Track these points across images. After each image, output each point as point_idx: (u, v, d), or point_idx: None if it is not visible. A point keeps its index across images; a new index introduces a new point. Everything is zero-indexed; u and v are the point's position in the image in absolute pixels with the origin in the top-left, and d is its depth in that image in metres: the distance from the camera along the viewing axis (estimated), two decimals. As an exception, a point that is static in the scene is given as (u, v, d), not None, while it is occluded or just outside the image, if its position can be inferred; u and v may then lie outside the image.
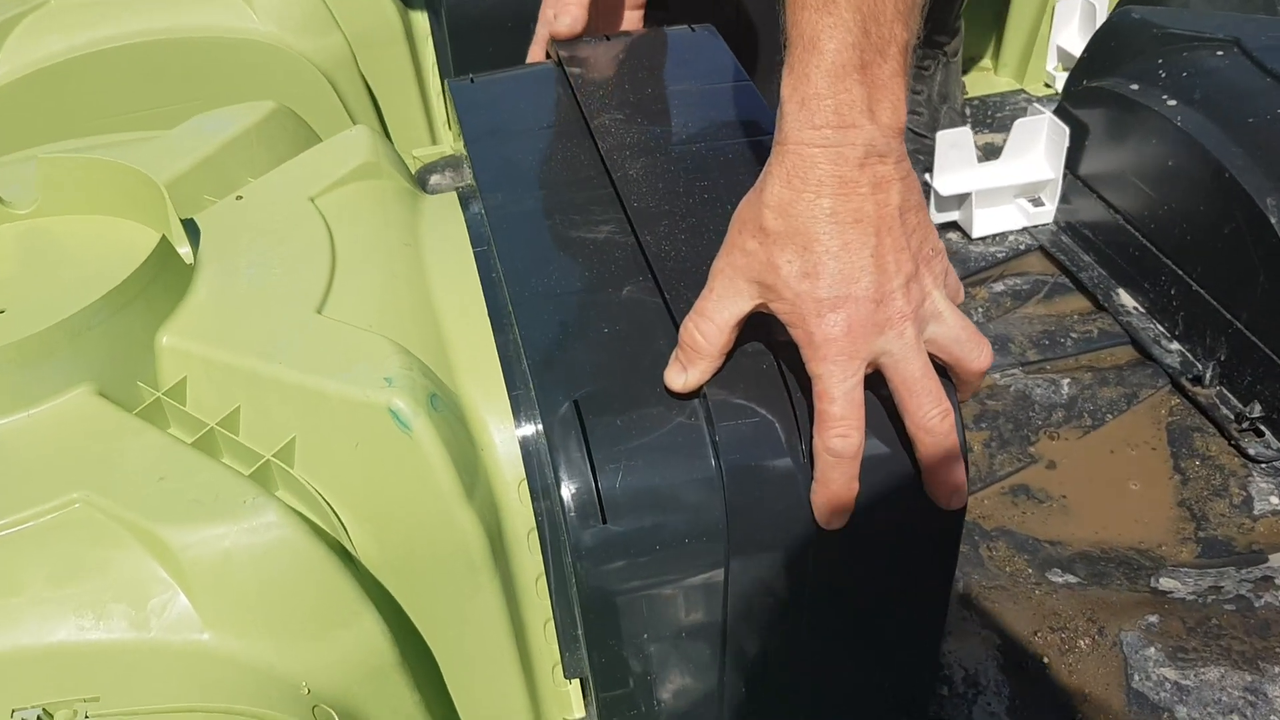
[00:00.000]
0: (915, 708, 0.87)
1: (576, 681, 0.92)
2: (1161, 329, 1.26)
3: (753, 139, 1.02)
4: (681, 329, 0.74)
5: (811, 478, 0.72)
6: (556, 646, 0.89)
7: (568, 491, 0.72)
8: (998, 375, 1.22)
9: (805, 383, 0.74)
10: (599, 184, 0.98)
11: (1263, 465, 1.09)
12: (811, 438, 0.73)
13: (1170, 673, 0.90)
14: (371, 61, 1.58)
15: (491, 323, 0.89)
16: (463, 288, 0.93)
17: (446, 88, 1.18)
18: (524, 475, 0.84)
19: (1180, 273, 1.22)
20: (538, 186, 0.99)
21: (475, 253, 0.96)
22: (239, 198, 1.00)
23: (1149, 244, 1.27)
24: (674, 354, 0.75)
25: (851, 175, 0.68)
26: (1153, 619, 0.94)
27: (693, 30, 1.17)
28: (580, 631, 0.78)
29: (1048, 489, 1.09)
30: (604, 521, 0.72)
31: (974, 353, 0.71)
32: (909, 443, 0.72)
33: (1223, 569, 0.99)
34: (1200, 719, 0.86)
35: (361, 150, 1.05)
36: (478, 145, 1.05)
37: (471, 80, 1.16)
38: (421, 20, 1.61)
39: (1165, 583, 0.98)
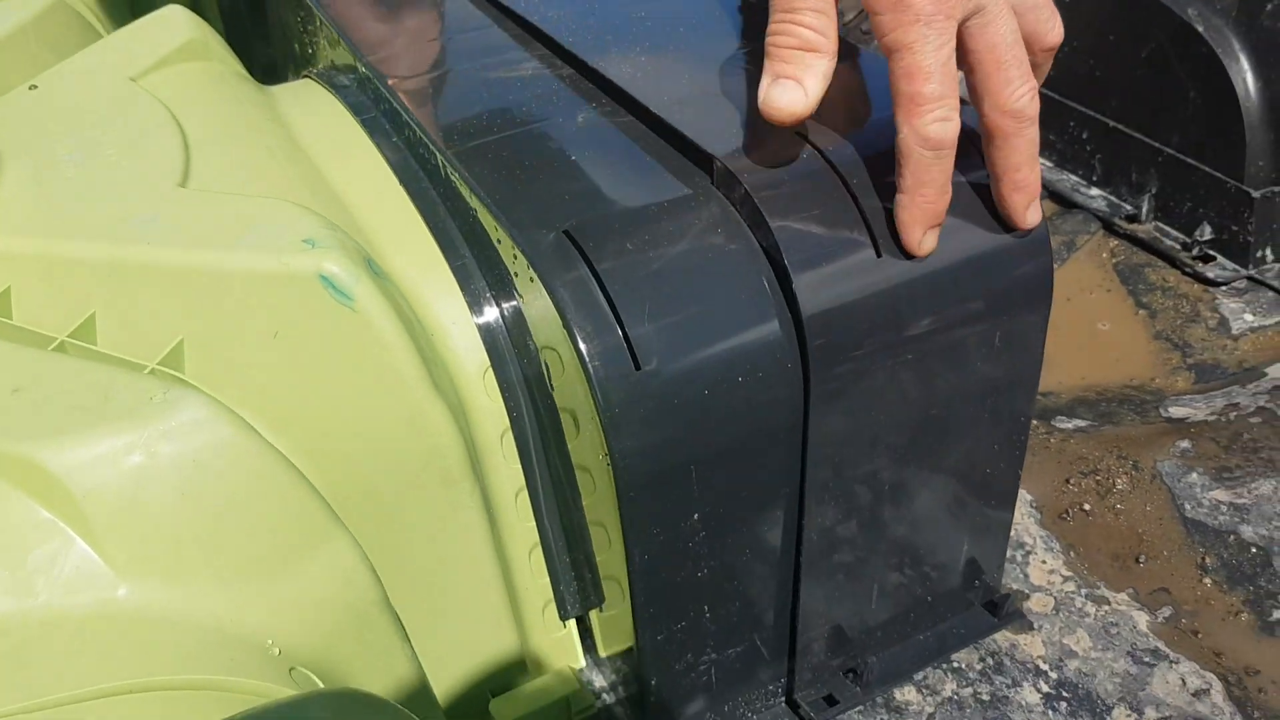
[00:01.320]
0: (990, 587, 0.74)
1: (572, 624, 0.74)
2: (1077, 178, 1.19)
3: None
4: (772, 34, 0.58)
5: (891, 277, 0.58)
6: (546, 581, 0.71)
7: (583, 337, 0.55)
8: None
9: (857, 173, 0.60)
10: (506, 28, 0.81)
11: (1224, 286, 1.03)
12: (874, 227, 0.59)
13: (1222, 495, 0.80)
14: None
15: (408, 191, 0.71)
16: (357, 157, 0.73)
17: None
18: (489, 364, 0.66)
19: (1092, 114, 1.15)
20: (427, 39, 0.81)
21: (360, 121, 0.77)
22: (33, 87, 0.77)
23: (1050, 92, 1.20)
24: (768, 70, 0.58)
25: None
26: (1184, 444, 0.85)
27: None
28: (617, 523, 0.60)
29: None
30: (636, 367, 0.55)
31: (1052, 21, 0.59)
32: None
33: (1228, 388, 0.91)
34: (1269, 535, 0.77)
35: (182, 29, 0.84)
36: (332, 10, 0.86)
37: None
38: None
39: (1178, 410, 0.90)
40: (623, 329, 0.55)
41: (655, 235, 0.59)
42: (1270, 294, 1.01)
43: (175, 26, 0.84)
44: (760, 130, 0.63)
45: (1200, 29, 1.02)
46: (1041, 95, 1.17)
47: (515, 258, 0.60)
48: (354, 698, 0.39)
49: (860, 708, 0.69)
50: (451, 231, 0.68)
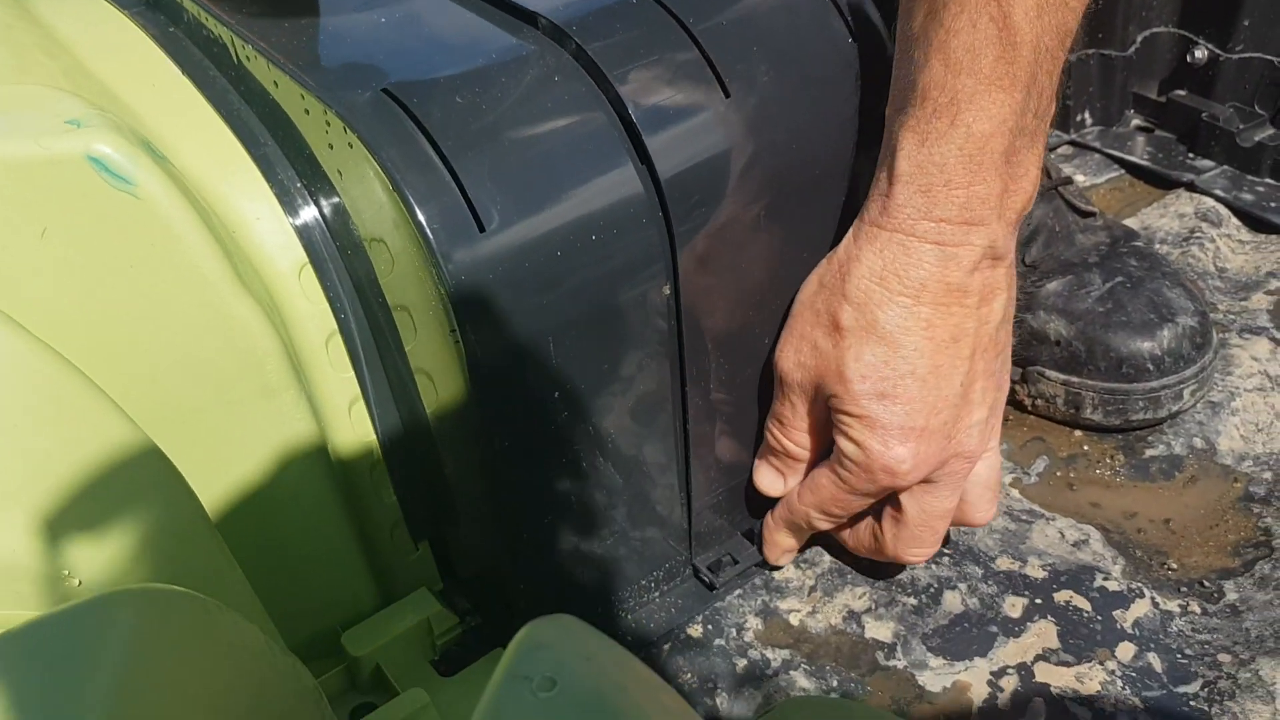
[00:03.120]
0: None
1: (425, 546, 0.67)
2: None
3: None
4: (769, 433, 0.62)
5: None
6: (394, 499, 0.64)
7: (417, 200, 0.48)
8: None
9: (693, 12, 0.55)
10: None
11: (1050, 153, 1.03)
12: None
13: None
14: None
15: (193, 80, 0.62)
16: (129, 51, 0.64)
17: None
18: (306, 260, 0.58)
19: None
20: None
21: (129, 15, 0.67)
22: None
23: None
24: (762, 455, 0.63)
25: (961, 282, 0.53)
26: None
27: None
28: (469, 418, 0.54)
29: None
30: (480, 229, 0.49)
31: (988, 506, 0.61)
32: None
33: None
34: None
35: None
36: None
37: None
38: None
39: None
40: (461, 188, 0.49)
41: (487, 86, 0.52)
42: (1096, 155, 1.02)
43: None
44: None
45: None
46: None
47: (328, 127, 0.53)
48: (161, 592, 0.32)
49: (740, 591, 0.65)
50: (248, 118, 0.60)
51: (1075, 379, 0.74)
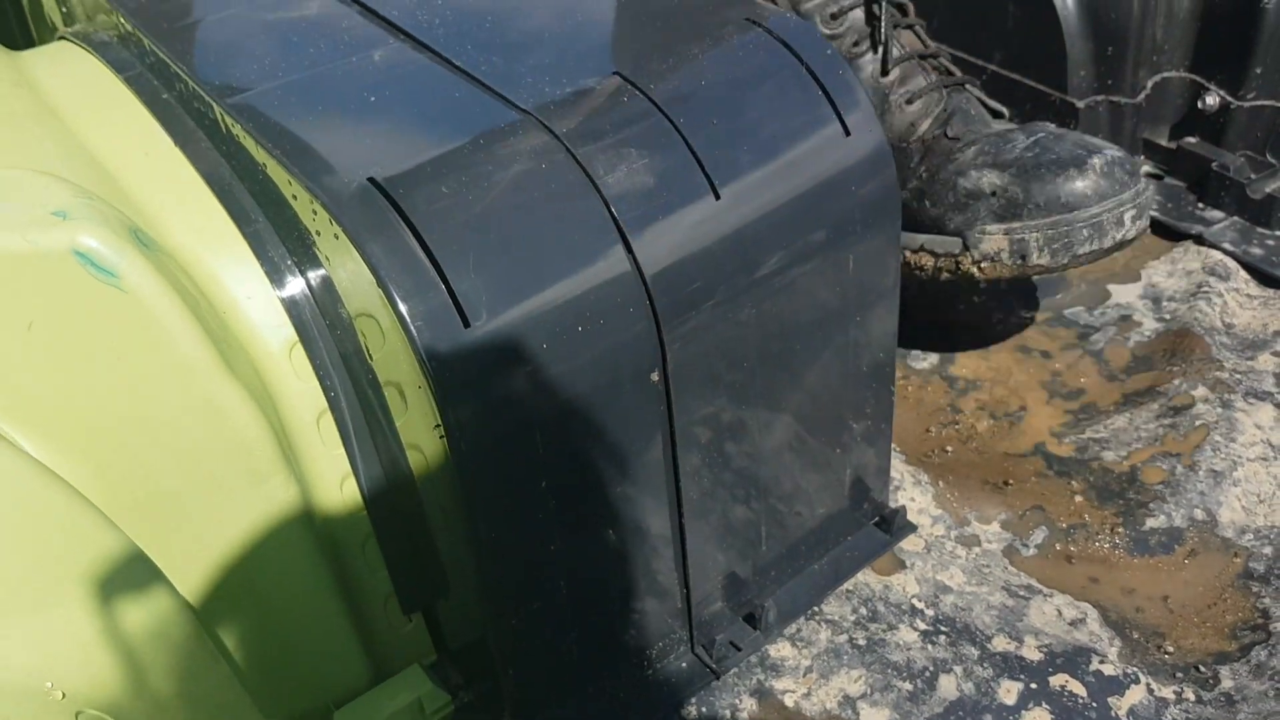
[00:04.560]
0: (879, 503, 0.70)
1: (419, 618, 0.67)
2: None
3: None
4: None
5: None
6: (384, 573, 0.64)
7: (402, 297, 0.48)
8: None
9: (685, 112, 0.55)
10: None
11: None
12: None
13: (1081, 433, 0.79)
14: None
15: (184, 152, 0.62)
16: (121, 118, 0.64)
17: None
18: (296, 339, 0.58)
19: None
20: (193, -17, 0.72)
21: (124, 79, 0.67)
22: None
23: (869, 19, 1.17)
24: None
25: None
26: (1039, 384, 0.83)
27: None
28: (457, 501, 0.54)
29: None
30: (466, 325, 0.49)
31: None
32: None
33: (1073, 309, 0.90)
34: (1129, 456, 0.76)
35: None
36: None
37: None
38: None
39: (1032, 340, 0.88)
40: (446, 283, 0.49)
41: (473, 174, 0.52)
42: (1102, 205, 1.01)
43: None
44: (571, 71, 0.57)
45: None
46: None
47: (315, 214, 0.53)
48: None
49: (736, 669, 0.64)
50: (239, 194, 0.60)
51: (1017, 224, 0.76)
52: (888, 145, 0.60)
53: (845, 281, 0.61)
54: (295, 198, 0.54)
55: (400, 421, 0.58)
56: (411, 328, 0.48)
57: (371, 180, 0.51)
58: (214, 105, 0.60)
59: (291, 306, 0.57)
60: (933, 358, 0.87)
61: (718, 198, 0.54)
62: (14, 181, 0.52)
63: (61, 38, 0.78)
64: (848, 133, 0.58)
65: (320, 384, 0.58)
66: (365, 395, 0.59)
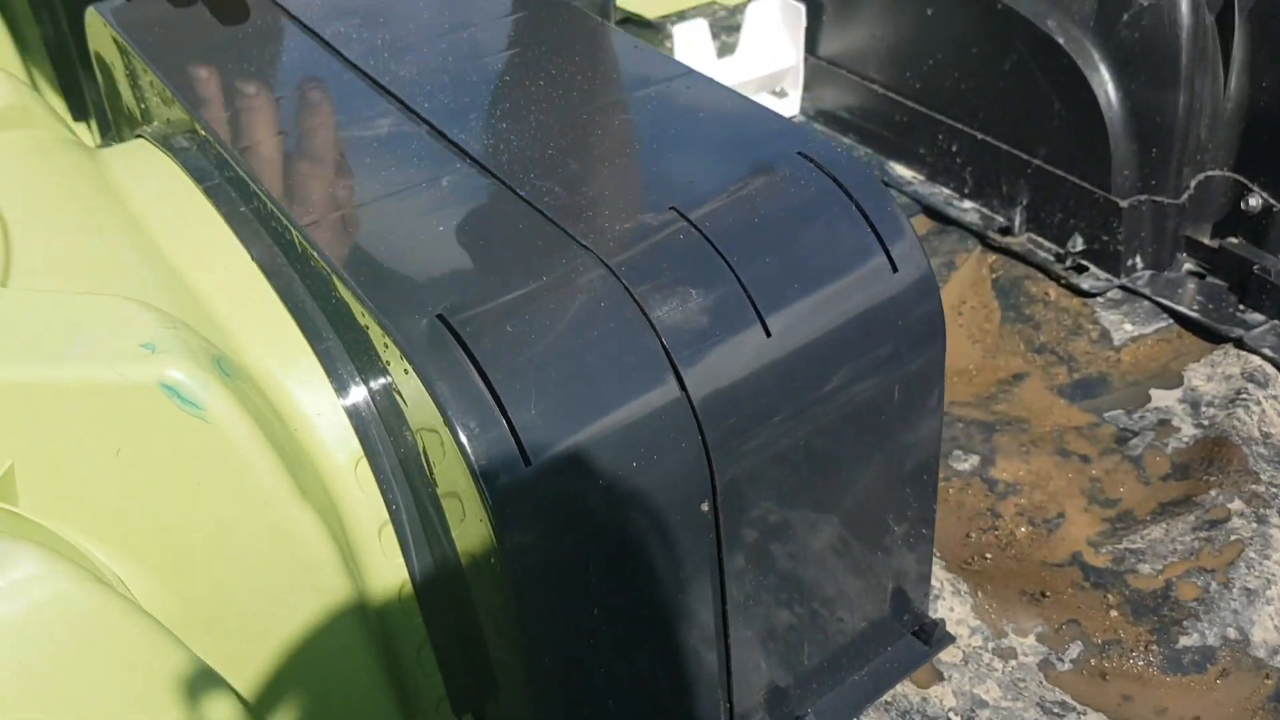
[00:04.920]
0: (918, 614, 0.72)
1: (469, 719, 0.70)
2: (950, 190, 1.19)
3: (530, 9, 0.83)
4: None
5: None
6: (438, 677, 0.66)
7: (465, 434, 0.51)
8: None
9: (735, 246, 0.57)
10: (354, 81, 0.76)
11: (1099, 297, 1.03)
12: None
13: (1118, 542, 0.80)
14: None
15: (261, 268, 0.65)
16: (203, 233, 0.67)
17: (92, 15, 0.90)
18: (361, 453, 0.61)
19: (960, 127, 1.15)
20: (269, 94, 0.75)
21: (203, 189, 0.71)
22: None
23: (917, 106, 1.19)
24: None
25: None
26: (1079, 491, 0.85)
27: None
28: (511, 617, 0.56)
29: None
30: (526, 464, 0.51)
31: None
32: None
33: (1113, 412, 0.92)
34: (1165, 570, 0.77)
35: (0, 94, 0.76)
36: (165, 65, 0.80)
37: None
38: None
39: (1072, 443, 0.89)
40: (508, 421, 0.51)
41: (535, 314, 0.55)
42: (1145, 302, 1.02)
43: (-12, 91, 0.76)
44: (630, 205, 0.60)
45: (1061, 40, 1.03)
46: (909, 108, 1.17)
47: (386, 346, 0.56)
48: None
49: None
50: (313, 313, 0.63)
51: None
52: (933, 277, 0.62)
53: (891, 407, 0.63)
54: (368, 328, 0.57)
55: (456, 531, 0.60)
56: (474, 463, 0.51)
57: (441, 318, 0.53)
58: (291, 227, 0.63)
59: (358, 421, 0.60)
60: (974, 459, 0.88)
61: (768, 334, 0.57)
62: (105, 310, 0.55)
63: (139, 135, 0.82)
64: (895, 268, 0.61)
65: (383, 495, 0.61)
66: (424, 503, 0.62)
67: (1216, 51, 1.03)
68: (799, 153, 0.64)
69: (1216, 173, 1.05)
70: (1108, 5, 1.01)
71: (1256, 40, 1.02)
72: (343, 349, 0.62)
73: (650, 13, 1.53)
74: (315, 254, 0.61)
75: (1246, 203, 1.02)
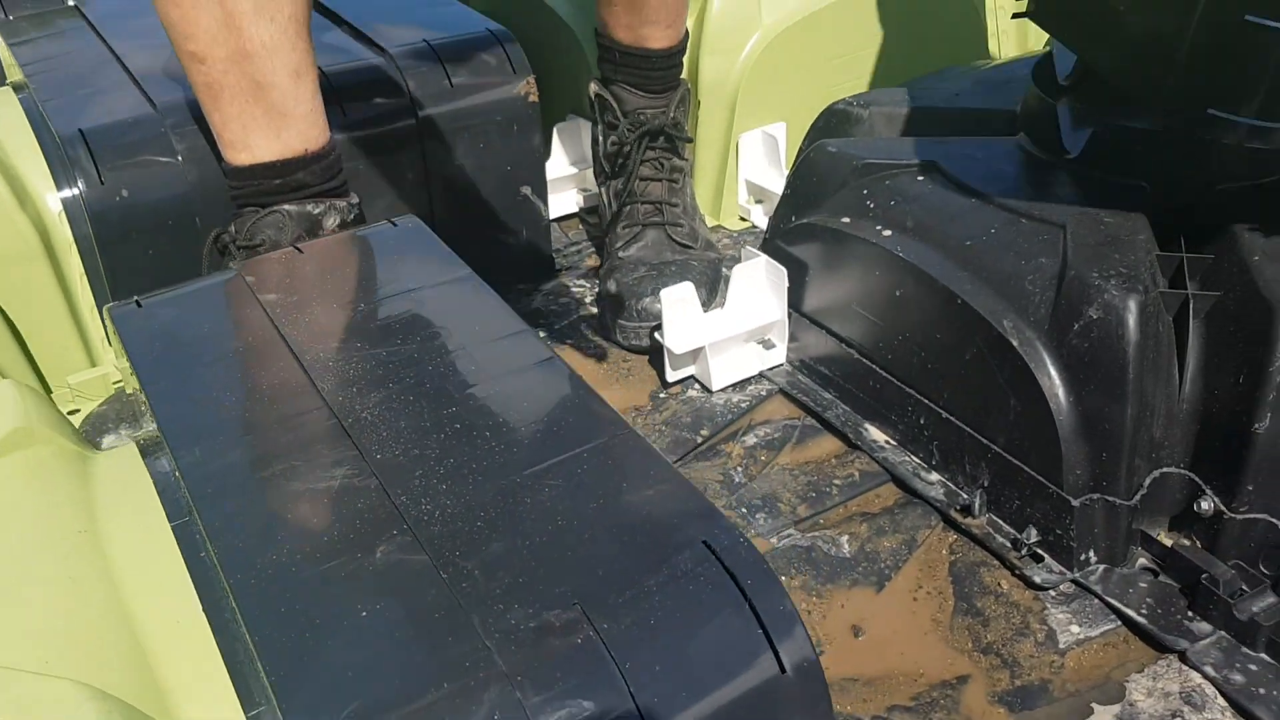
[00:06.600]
0: None
1: None
2: (918, 460, 1.23)
3: (490, 341, 0.90)
4: None
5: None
6: None
7: None
8: (774, 539, 1.14)
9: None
10: (317, 418, 0.83)
11: (1051, 592, 1.06)
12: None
13: None
14: (4, 283, 1.34)
15: (210, 621, 0.71)
16: (163, 580, 0.74)
17: (107, 315, 0.99)
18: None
19: (927, 402, 1.20)
20: (241, 430, 0.82)
21: (174, 527, 0.78)
22: None
23: (889, 375, 1.24)
24: None
25: None
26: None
27: (394, 225, 1.05)
28: None
29: (860, 660, 1.01)
30: None
31: None
32: None
33: None
34: None
35: (7, 414, 0.84)
36: (157, 387, 0.88)
37: (138, 304, 0.99)
38: (61, 228, 1.38)
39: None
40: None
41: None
42: (1096, 600, 1.05)
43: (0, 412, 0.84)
44: (536, 594, 0.65)
45: (1014, 342, 1.07)
46: (882, 376, 1.22)
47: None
48: None
49: None
50: (250, 677, 0.68)
51: None
52: (823, 678, 0.66)
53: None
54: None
55: None
56: None
57: (345, 728, 0.59)
58: (228, 589, 0.69)
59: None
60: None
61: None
62: (54, 697, 0.61)
63: (135, 439, 0.90)
64: (783, 670, 0.65)
65: None
66: None
67: (1172, 354, 1.07)
68: (703, 542, 0.69)
69: (1173, 469, 1.08)
70: (1059, 313, 1.06)
71: (1210, 345, 1.06)
72: (276, 714, 0.67)
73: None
74: (241, 621, 0.67)
75: (1199, 505, 1.05)
